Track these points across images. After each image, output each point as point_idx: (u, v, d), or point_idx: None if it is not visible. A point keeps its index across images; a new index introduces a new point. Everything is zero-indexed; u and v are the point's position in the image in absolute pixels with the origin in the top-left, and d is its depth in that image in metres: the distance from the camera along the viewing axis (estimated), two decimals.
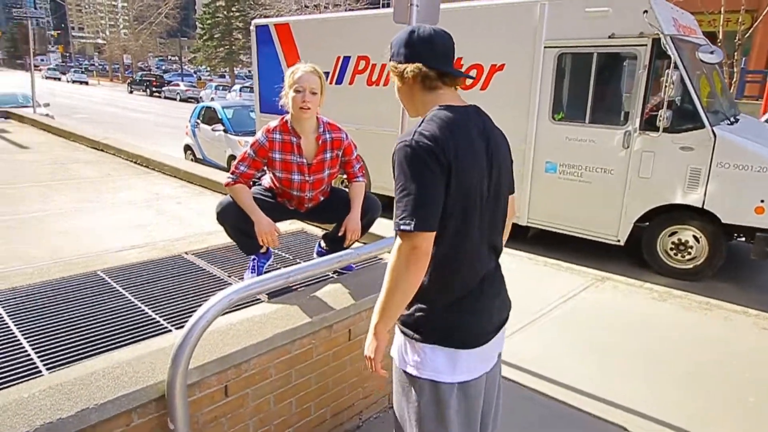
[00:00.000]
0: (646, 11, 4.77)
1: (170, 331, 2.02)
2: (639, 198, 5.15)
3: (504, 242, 1.55)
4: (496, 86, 5.87)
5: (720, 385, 3.14)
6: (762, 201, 4.59)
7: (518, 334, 3.69)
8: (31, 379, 1.64)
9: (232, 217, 2.39)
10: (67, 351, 1.85)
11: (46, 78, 48.57)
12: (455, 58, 1.43)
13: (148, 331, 2.02)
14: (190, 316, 2.21)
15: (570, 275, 4.94)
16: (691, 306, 4.32)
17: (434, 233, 1.27)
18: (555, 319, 4.00)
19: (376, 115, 6.92)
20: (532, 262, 5.26)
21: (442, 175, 1.26)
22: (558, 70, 5.43)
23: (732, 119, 5.20)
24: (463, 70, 6.09)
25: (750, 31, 15.46)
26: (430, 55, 1.36)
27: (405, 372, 1.41)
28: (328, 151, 2.47)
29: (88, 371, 1.58)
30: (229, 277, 2.66)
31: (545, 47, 5.42)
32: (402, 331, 1.42)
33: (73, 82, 46.96)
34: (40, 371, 1.71)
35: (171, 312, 2.21)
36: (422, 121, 1.33)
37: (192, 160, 10.53)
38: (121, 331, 2.01)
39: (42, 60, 64.62)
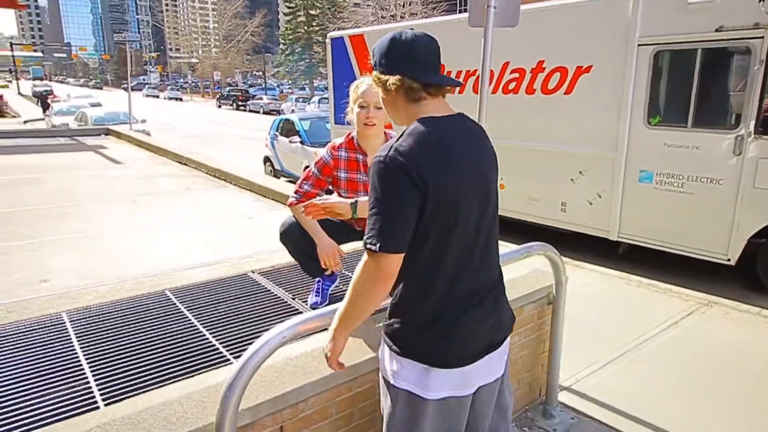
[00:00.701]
0: None
1: (229, 361, 1.92)
2: (754, 211, 4.49)
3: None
4: (583, 90, 5.42)
5: None
6: None
7: (610, 368, 3.27)
8: (87, 411, 1.59)
9: (294, 238, 2.27)
10: (125, 381, 1.80)
11: (147, 96, 52.97)
12: (440, 63, 1.36)
13: (208, 359, 1.93)
14: (250, 344, 2.11)
15: (670, 299, 4.38)
16: None
17: (401, 254, 1.23)
18: (653, 351, 3.52)
19: None
20: (624, 282, 4.74)
21: (415, 194, 1.20)
22: (654, 69, 4.90)
23: None
24: (544, 73, 5.71)
25: None
26: (413, 65, 1.28)
27: (384, 378, 1.43)
28: None
29: (138, 408, 1.50)
30: (294, 299, 2.55)
31: (639, 45, 4.91)
32: (384, 340, 1.41)
33: (170, 99, 50.85)
34: (96, 403, 1.66)
35: (232, 339, 2.12)
36: (402, 135, 1.26)
37: (271, 171, 10.84)
38: (181, 359, 1.94)
39: (143, 80, 70.70)
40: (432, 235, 1.25)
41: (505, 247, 2.29)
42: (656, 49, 4.85)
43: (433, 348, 1.31)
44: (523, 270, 2.67)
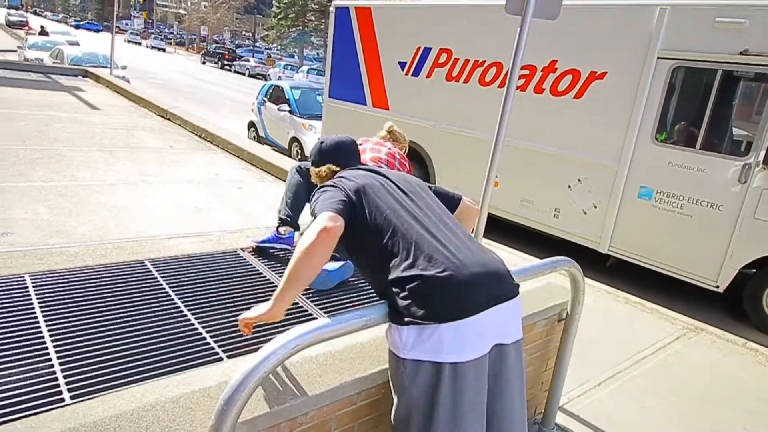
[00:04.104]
0: None
1: (218, 356, 1.69)
2: (751, 242, 4.45)
3: (469, 226, 1.94)
4: (593, 96, 5.26)
5: None
6: None
7: (602, 389, 3.17)
8: (50, 408, 1.34)
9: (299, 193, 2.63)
10: (97, 369, 1.54)
11: (128, 42, 50.66)
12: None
13: (195, 352, 1.70)
14: (244, 339, 1.87)
15: (657, 320, 4.33)
16: None
17: (341, 216, 1.46)
18: (643, 374, 3.44)
19: (453, 112, 6.45)
20: (612, 297, 4.67)
21: (346, 198, 1.55)
22: (670, 84, 4.77)
23: None
24: (556, 74, 5.53)
25: None
26: (339, 156, 1.83)
27: (390, 351, 1.46)
28: None
29: (114, 411, 1.26)
30: None
31: (659, 58, 4.77)
32: (389, 322, 1.44)
33: (152, 48, 48.76)
34: (61, 394, 1.41)
35: (221, 329, 1.88)
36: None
37: (254, 137, 10.42)
38: (163, 348, 1.69)
39: (126, 24, 67.56)
40: (377, 214, 1.53)
41: (527, 261, 2.11)
42: (675, 64, 4.71)
43: (430, 306, 1.37)
44: (534, 281, 2.49)
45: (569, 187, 5.51)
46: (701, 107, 4.65)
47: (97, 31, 40.54)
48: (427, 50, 6.77)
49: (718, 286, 4.65)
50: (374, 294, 2.42)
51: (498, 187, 6.07)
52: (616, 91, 5.10)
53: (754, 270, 4.56)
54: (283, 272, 2.38)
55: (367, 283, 2.52)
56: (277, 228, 2.68)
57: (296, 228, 2.70)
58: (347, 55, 7.84)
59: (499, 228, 6.13)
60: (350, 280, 2.54)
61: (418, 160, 6.96)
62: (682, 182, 4.77)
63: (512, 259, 3.64)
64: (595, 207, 5.33)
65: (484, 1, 6.16)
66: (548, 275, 2.47)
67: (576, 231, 5.51)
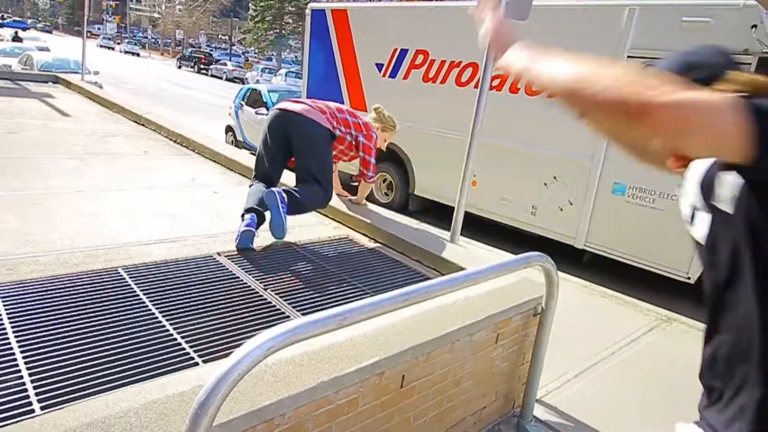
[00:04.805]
0: (755, 26, 4.19)
1: (194, 361, 1.68)
2: None
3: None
4: None
5: None
6: None
7: (579, 381, 3.23)
8: (20, 419, 1.32)
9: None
10: (68, 380, 1.52)
11: (100, 47, 49.75)
12: None
13: (170, 358, 1.68)
14: (220, 343, 1.87)
15: (632, 312, 4.42)
16: None
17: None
18: (618, 365, 3.51)
19: (430, 113, 6.49)
20: (587, 291, 4.76)
21: None
22: None
23: None
24: None
25: None
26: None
27: None
28: None
29: (85, 419, 1.24)
30: (266, 290, 2.31)
31: (628, 57, 4.88)
32: None
33: (125, 53, 47.97)
34: (31, 405, 1.39)
35: (197, 334, 1.87)
36: None
37: (232, 141, 10.33)
38: (137, 355, 1.68)
39: (99, 29, 66.33)
40: None
41: (503, 257, 2.15)
42: (645, 63, 4.82)
43: None
44: (510, 277, 2.53)
45: (545, 184, 5.59)
46: None
47: (24, 29, 38.98)
48: (404, 52, 6.81)
49: (689, 278, 4.77)
50: (349, 292, 2.44)
51: (476, 186, 6.14)
52: None
53: None
54: (260, 277, 2.39)
55: (342, 282, 2.53)
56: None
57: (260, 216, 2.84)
58: (324, 57, 7.84)
59: (478, 226, 6.19)
60: (322, 281, 2.54)
61: (396, 161, 6.99)
62: (653, 177, 4.87)
63: (489, 256, 3.69)
64: (571, 204, 5.42)
65: (460, 3, 6.23)
66: (524, 271, 2.52)
67: (553, 228, 5.60)
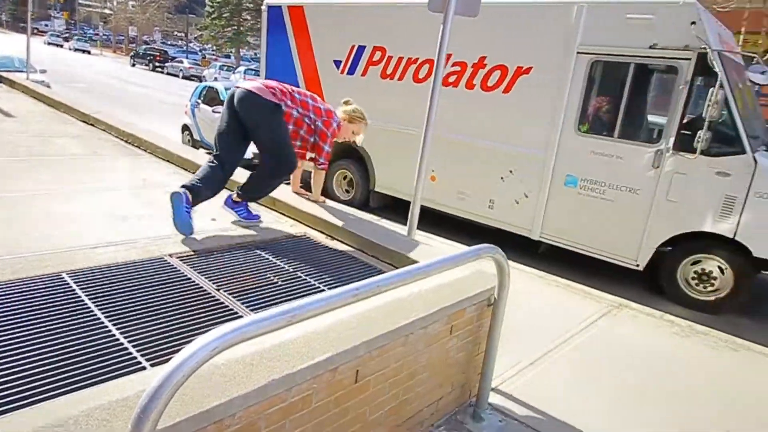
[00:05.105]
0: (694, 23, 4.39)
1: (141, 365, 1.65)
2: (665, 222, 4.80)
3: None
4: (520, 90, 5.48)
5: None
6: None
7: (534, 368, 3.32)
8: None
9: None
10: (4, 393, 1.46)
11: (49, 44, 47.55)
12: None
13: (116, 363, 1.64)
14: (169, 345, 1.84)
15: (584, 299, 4.58)
16: (717, 345, 3.97)
17: None
18: (572, 351, 3.64)
19: (389, 110, 6.51)
20: (543, 281, 4.90)
21: None
22: (589, 78, 5.05)
23: None
24: (485, 70, 5.71)
25: None
26: None
27: None
28: None
29: (20, 429, 1.20)
30: (219, 290, 2.28)
31: (578, 53, 5.03)
32: None
33: (75, 50, 46.00)
34: None
35: (145, 337, 1.83)
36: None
37: (189, 140, 10.10)
38: (80, 364, 1.63)
39: (46, 25, 63.31)
40: None
41: (456, 250, 2.19)
42: (593, 59, 4.99)
43: None
44: (464, 269, 2.59)
45: (502, 178, 5.71)
46: (618, 98, 4.96)
47: None
48: (362, 48, 6.81)
49: (638, 265, 4.98)
50: (305, 290, 2.44)
51: (435, 182, 6.22)
52: (542, 85, 5.33)
53: (670, 248, 4.91)
54: (213, 278, 2.36)
55: (297, 280, 2.53)
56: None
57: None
58: (282, 54, 7.75)
59: (438, 220, 6.27)
60: (277, 279, 2.53)
61: (356, 158, 6.99)
62: (603, 169, 5.06)
63: (444, 249, 3.75)
64: (526, 197, 5.56)
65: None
66: (478, 263, 2.58)
67: (510, 220, 5.73)
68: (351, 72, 6.92)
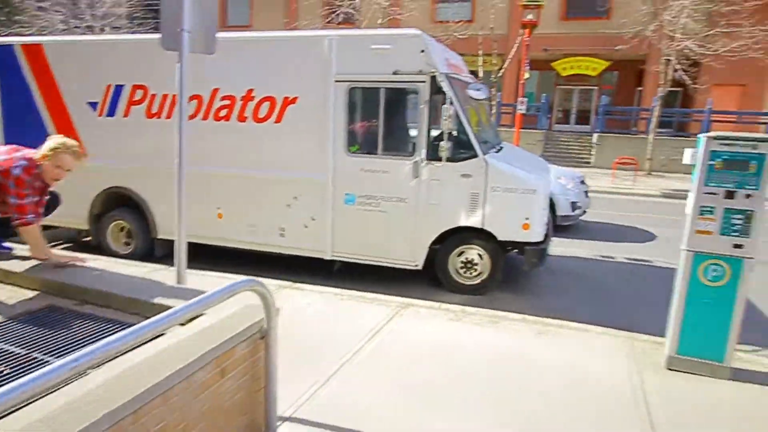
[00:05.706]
0: (422, 50, 5.11)
1: None
2: (430, 223, 5.45)
3: None
4: (291, 119, 5.68)
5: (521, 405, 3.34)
6: (527, 219, 5.23)
7: (330, 385, 3.43)
8: None
9: None
10: None
11: None
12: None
13: None
14: None
15: (377, 306, 4.92)
16: (482, 322, 4.63)
17: None
18: (366, 358, 3.87)
19: (161, 150, 6.11)
20: (338, 298, 5.12)
21: None
22: (350, 103, 5.49)
23: (498, 147, 5.88)
24: (254, 102, 5.78)
25: (501, 72, 18.56)
26: None
27: None
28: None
29: None
30: None
31: (336, 81, 5.43)
32: None
33: None
34: None
35: None
36: None
37: None
38: None
39: None
40: None
41: (217, 285, 2.15)
42: (350, 86, 5.44)
43: None
44: (233, 306, 2.56)
45: (288, 206, 5.83)
46: (376, 119, 5.48)
47: None
48: (119, 88, 6.30)
49: (417, 265, 5.56)
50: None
51: (223, 219, 6.05)
52: (309, 113, 5.61)
53: (439, 245, 5.59)
54: None
55: (35, 362, 2.20)
56: None
57: None
58: (22, 99, 6.71)
59: (222, 252, 6.12)
60: (3, 369, 2.18)
61: (132, 206, 6.41)
62: (375, 184, 5.53)
63: (211, 284, 3.66)
64: (314, 220, 5.77)
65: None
66: (249, 298, 2.56)
67: (302, 245, 5.87)
68: (111, 113, 6.34)
